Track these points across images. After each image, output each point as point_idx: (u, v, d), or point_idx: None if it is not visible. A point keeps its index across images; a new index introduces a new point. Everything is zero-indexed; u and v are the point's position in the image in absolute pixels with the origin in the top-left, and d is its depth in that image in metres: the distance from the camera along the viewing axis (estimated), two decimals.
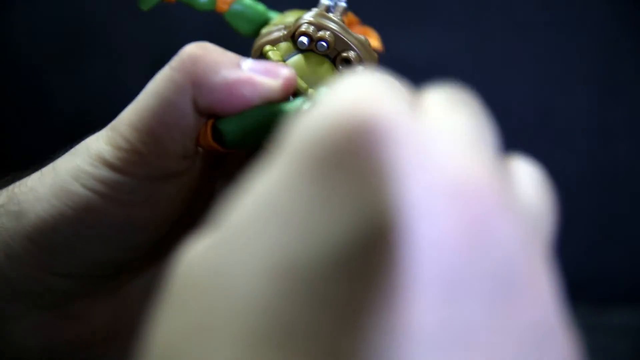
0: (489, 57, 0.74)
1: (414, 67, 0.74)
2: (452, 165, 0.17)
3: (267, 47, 0.31)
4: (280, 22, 0.32)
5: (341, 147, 0.16)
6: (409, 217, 0.15)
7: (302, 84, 0.30)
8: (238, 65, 0.28)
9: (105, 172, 0.28)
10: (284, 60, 0.30)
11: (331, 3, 0.32)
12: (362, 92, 0.17)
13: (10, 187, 0.30)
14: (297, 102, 0.28)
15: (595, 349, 0.71)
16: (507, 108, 0.75)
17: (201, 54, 0.28)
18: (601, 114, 0.74)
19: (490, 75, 0.74)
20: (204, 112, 0.28)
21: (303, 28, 0.30)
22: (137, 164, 0.28)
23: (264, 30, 0.32)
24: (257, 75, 0.28)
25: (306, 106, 0.28)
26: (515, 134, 0.75)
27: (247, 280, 0.16)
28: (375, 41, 0.33)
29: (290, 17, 0.32)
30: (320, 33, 0.30)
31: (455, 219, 0.16)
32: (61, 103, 0.74)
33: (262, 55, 0.31)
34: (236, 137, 0.28)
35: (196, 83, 0.27)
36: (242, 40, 0.33)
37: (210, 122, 0.28)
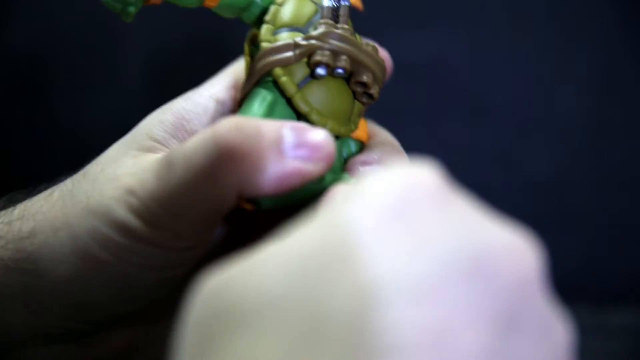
0: (489, 57, 0.74)
1: (414, 67, 0.74)
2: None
3: (279, 72, 0.29)
4: (279, 21, 0.30)
5: (401, 202, 0.19)
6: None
7: (333, 128, 0.29)
8: (282, 153, 0.26)
9: (134, 244, 0.27)
10: (299, 85, 0.29)
11: (334, 3, 0.30)
12: None
13: (16, 232, 0.28)
14: (330, 180, 0.28)
15: (595, 349, 0.71)
16: (507, 108, 0.75)
17: (241, 146, 0.25)
18: (601, 114, 0.74)
19: (490, 75, 0.74)
20: (247, 198, 0.27)
21: (318, 57, 0.29)
22: (171, 240, 0.27)
23: (266, 38, 0.30)
24: (304, 163, 0.26)
25: (343, 183, 0.28)
26: (515, 134, 0.75)
27: (336, 298, 0.17)
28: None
29: (289, 5, 0.30)
30: (338, 62, 0.29)
31: None
32: (54, 109, 0.74)
33: (269, 74, 0.29)
34: (271, 207, 0.28)
35: (241, 181, 0.25)
36: (237, 35, 0.32)
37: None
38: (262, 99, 0.29)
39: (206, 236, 0.27)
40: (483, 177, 0.76)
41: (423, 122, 0.75)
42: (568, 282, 0.78)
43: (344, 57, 0.29)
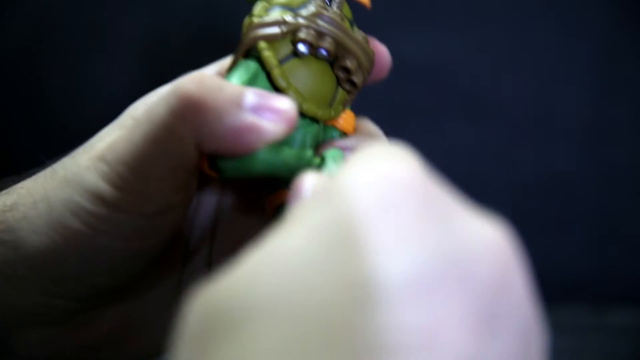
0: (489, 57, 0.74)
1: (414, 67, 0.74)
2: None
3: (263, 45, 0.29)
4: (274, 0, 0.30)
5: (383, 197, 0.19)
6: None
7: (309, 109, 0.29)
8: (240, 107, 0.26)
9: (106, 211, 0.27)
10: (280, 62, 0.29)
11: None
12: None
13: (0, 206, 0.29)
14: (292, 155, 0.28)
15: (595, 349, 0.71)
16: (507, 108, 0.75)
17: (201, 97, 0.26)
18: (601, 114, 0.74)
19: (491, 75, 0.74)
20: (206, 152, 0.27)
21: (302, 35, 0.29)
22: (140, 204, 0.27)
23: (257, 13, 0.30)
24: (260, 120, 0.26)
25: (309, 159, 0.28)
26: (515, 134, 0.75)
27: (323, 298, 0.18)
28: None
29: None
30: (321, 42, 0.29)
31: None
32: (50, 95, 0.74)
33: (254, 48, 0.29)
34: (234, 174, 0.28)
35: (199, 132, 0.26)
36: (234, 26, 0.31)
37: (207, 155, 0.28)
38: (245, 69, 0.29)
39: (175, 199, 0.28)
40: (483, 177, 0.76)
41: (423, 122, 0.75)
42: (568, 282, 0.78)
43: (328, 39, 0.29)
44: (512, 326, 0.18)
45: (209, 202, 0.33)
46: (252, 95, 0.27)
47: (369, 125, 0.32)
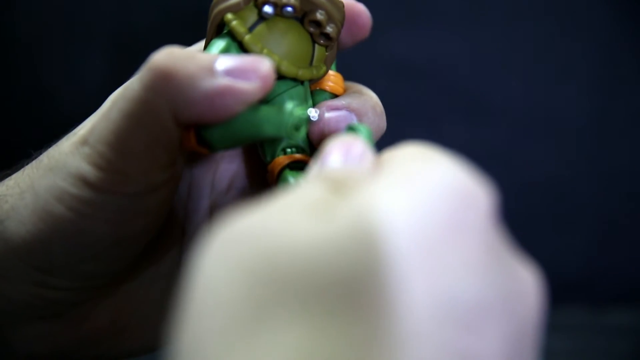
0: (489, 57, 0.74)
1: (414, 67, 0.74)
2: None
3: (229, 16, 0.29)
4: None
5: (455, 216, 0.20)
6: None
7: (288, 68, 0.29)
8: (213, 72, 0.26)
9: (89, 193, 0.27)
10: (249, 30, 0.29)
11: None
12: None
13: None
14: (274, 113, 0.28)
15: (595, 349, 0.71)
16: (507, 108, 0.75)
17: (172, 66, 0.26)
18: (601, 114, 0.74)
19: (490, 75, 0.74)
20: (185, 123, 0.27)
21: None
22: (123, 183, 0.27)
23: None
24: (235, 81, 0.26)
25: (292, 110, 0.27)
26: (515, 134, 0.75)
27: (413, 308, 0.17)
28: None
29: None
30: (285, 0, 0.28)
31: None
32: (23, 86, 0.74)
33: (223, 24, 0.29)
34: (222, 144, 0.27)
35: (173, 100, 0.26)
36: (204, 13, 0.31)
37: (193, 129, 0.27)
38: (216, 46, 0.29)
39: (157, 178, 0.27)
40: (483, 177, 0.75)
41: (423, 122, 0.75)
42: (568, 282, 0.78)
43: None
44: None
45: (203, 184, 0.33)
46: (223, 60, 0.27)
47: (356, 85, 0.32)
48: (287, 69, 0.29)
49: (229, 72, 0.26)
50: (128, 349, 0.32)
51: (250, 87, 0.26)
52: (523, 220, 0.76)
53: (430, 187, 0.19)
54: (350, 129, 0.28)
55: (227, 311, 0.17)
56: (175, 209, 0.32)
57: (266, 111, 0.27)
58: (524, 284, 0.20)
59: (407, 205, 0.18)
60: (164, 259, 0.32)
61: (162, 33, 0.72)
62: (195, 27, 0.31)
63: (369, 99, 0.31)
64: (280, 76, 0.29)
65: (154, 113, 0.26)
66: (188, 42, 0.32)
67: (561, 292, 0.79)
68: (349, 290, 0.17)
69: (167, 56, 0.26)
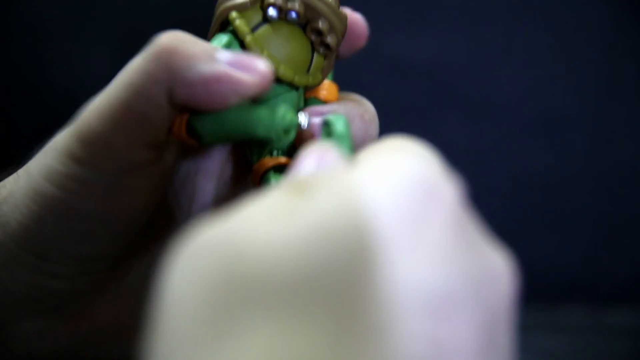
0: (489, 57, 0.74)
1: (414, 67, 0.74)
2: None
3: (234, 15, 0.29)
4: None
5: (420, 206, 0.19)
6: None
7: (285, 72, 0.29)
8: (214, 58, 0.27)
9: (75, 169, 0.27)
10: (252, 31, 0.29)
11: None
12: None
13: None
14: (267, 115, 0.28)
15: (595, 349, 0.71)
16: (507, 108, 0.75)
17: (176, 45, 0.27)
18: (601, 114, 0.74)
19: (490, 75, 0.74)
20: (178, 105, 0.27)
21: None
22: (107, 157, 0.27)
23: None
24: (234, 70, 0.27)
25: (284, 114, 0.28)
26: (515, 134, 0.75)
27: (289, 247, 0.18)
28: None
29: None
30: (290, 4, 0.29)
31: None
32: (27, 83, 0.74)
33: (227, 21, 0.30)
34: (211, 137, 0.28)
35: (171, 76, 0.26)
36: (210, 10, 0.32)
37: (185, 118, 0.28)
38: (218, 41, 0.29)
39: (143, 157, 0.28)
40: (483, 177, 0.76)
41: (423, 122, 0.75)
42: (568, 282, 0.78)
43: (297, 1, 0.29)
44: (507, 351, 0.20)
45: (193, 183, 0.33)
46: (225, 53, 0.27)
47: (352, 95, 0.32)
48: (284, 73, 0.30)
49: (230, 63, 0.27)
50: (129, 351, 0.32)
51: (248, 79, 0.27)
52: (523, 219, 0.76)
53: (398, 180, 0.20)
54: (326, 123, 0.28)
55: (193, 322, 0.17)
56: (173, 206, 0.33)
57: (259, 111, 0.28)
58: (496, 272, 0.20)
59: (377, 199, 0.19)
60: (160, 254, 0.32)
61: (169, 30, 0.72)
62: (202, 25, 0.32)
63: (357, 106, 0.31)
64: (277, 79, 0.29)
65: (150, 84, 0.26)
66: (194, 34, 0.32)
67: (561, 292, 0.79)
68: (316, 288, 0.17)
69: (173, 36, 0.27)
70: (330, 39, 0.30)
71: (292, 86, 0.30)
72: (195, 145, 0.28)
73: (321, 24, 0.30)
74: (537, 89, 0.74)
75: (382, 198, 0.19)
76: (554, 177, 0.76)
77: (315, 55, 0.31)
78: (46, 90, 0.74)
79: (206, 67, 0.26)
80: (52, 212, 0.28)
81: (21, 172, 0.29)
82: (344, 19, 0.31)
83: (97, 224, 0.29)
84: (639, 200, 0.76)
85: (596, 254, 0.76)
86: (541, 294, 0.77)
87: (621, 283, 0.77)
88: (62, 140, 0.28)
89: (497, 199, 0.76)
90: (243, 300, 0.17)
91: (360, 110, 0.31)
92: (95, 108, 0.27)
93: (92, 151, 0.27)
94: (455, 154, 0.76)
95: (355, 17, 0.32)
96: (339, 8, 0.31)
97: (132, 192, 0.28)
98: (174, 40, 0.27)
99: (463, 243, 0.20)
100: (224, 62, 0.27)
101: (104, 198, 0.28)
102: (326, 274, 0.17)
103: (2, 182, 0.30)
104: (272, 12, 0.29)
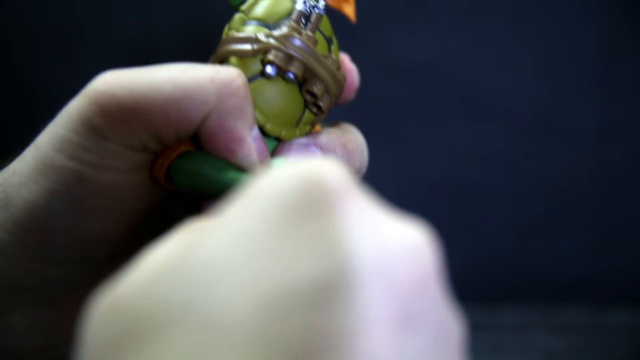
0: (489, 56, 0.74)
1: (414, 67, 0.74)
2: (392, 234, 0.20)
3: (234, 61, 0.30)
4: (252, 13, 0.31)
5: (304, 200, 0.19)
6: (360, 274, 0.18)
7: (272, 129, 0.30)
8: (251, 130, 0.28)
9: (90, 139, 0.27)
10: (249, 80, 0.29)
11: (307, 8, 0.31)
12: (318, 165, 0.20)
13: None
14: (242, 176, 0.29)
15: (595, 349, 0.71)
16: (507, 108, 0.75)
17: (240, 95, 0.28)
18: (601, 114, 0.75)
19: (490, 75, 0.75)
20: (202, 134, 0.28)
21: (271, 57, 0.29)
22: (128, 131, 0.27)
23: (234, 26, 0.30)
24: (254, 147, 0.28)
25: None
26: (515, 134, 0.75)
27: (236, 307, 0.18)
28: (350, 9, 0.32)
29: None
30: (289, 66, 0.29)
31: (393, 281, 0.19)
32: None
33: (225, 61, 0.30)
34: (185, 189, 0.29)
35: (219, 110, 0.27)
36: (218, 20, 0.32)
37: (167, 164, 0.28)
38: None
39: (152, 144, 0.28)
40: (483, 177, 0.76)
41: (423, 122, 0.75)
42: (568, 282, 0.78)
43: (297, 63, 0.29)
44: (430, 324, 0.19)
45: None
46: (256, 134, 0.29)
47: (342, 124, 0.33)
48: (272, 129, 0.30)
49: (254, 139, 0.29)
50: None
51: (253, 159, 0.28)
52: (523, 220, 0.76)
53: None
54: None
55: None
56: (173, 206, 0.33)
57: (232, 174, 0.28)
58: (399, 244, 0.20)
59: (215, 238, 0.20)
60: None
61: (177, 38, 0.72)
62: (210, 33, 0.32)
63: (341, 135, 0.31)
64: (263, 132, 0.30)
65: (199, 98, 0.28)
66: (202, 47, 0.33)
67: (561, 292, 0.79)
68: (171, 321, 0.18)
69: (240, 78, 0.29)
70: (323, 103, 0.31)
71: (278, 140, 0.31)
72: (170, 189, 0.29)
73: (316, 88, 0.30)
74: (536, 89, 0.74)
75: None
76: (554, 177, 0.76)
77: (307, 110, 0.31)
78: (53, 98, 0.74)
79: (241, 126, 0.28)
80: (64, 185, 0.27)
81: (28, 150, 0.29)
82: (340, 82, 0.31)
83: (107, 199, 0.28)
84: (638, 200, 0.76)
85: (596, 254, 0.76)
86: (541, 294, 0.77)
87: (621, 283, 0.77)
88: (78, 108, 0.27)
89: (497, 199, 0.76)
90: (126, 346, 0.19)
91: (343, 140, 0.31)
92: (123, 81, 0.27)
93: (113, 123, 0.27)
94: (455, 154, 0.76)
95: (348, 67, 0.32)
96: (339, 69, 0.31)
97: (146, 169, 0.28)
98: (238, 80, 0.28)
99: (354, 221, 0.20)
100: (253, 139, 0.29)
101: (118, 172, 0.28)
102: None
103: (9, 166, 0.29)
104: (270, 70, 0.29)
